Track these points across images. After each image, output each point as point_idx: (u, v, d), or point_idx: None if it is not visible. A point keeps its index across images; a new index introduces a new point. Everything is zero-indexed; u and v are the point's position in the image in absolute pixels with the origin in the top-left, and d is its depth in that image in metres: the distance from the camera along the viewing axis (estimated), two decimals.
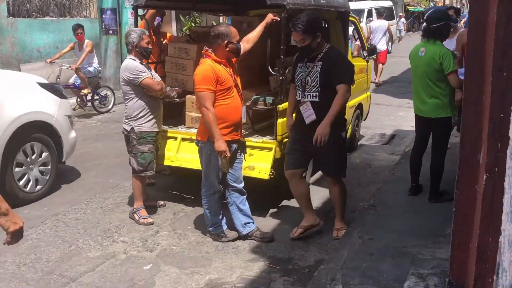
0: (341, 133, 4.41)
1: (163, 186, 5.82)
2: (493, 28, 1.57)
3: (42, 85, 5.77)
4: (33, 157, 5.42)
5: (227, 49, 4.12)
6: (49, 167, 5.59)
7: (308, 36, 4.14)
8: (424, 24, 5.26)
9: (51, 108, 5.64)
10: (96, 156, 7.12)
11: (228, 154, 4.11)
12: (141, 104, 4.70)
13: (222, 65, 4.13)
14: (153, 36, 5.76)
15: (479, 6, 1.70)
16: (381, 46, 13.34)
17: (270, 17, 4.62)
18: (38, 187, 5.46)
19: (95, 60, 9.98)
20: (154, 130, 4.83)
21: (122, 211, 5.12)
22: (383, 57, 13.52)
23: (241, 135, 4.40)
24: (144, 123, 4.73)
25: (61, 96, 5.94)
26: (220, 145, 4.04)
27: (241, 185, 4.43)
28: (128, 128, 4.75)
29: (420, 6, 46.04)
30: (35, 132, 5.44)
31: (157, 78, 4.88)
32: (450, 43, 5.83)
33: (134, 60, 4.68)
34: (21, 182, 5.26)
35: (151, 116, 4.76)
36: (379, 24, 14.05)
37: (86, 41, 9.73)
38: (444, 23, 4.89)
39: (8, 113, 5.12)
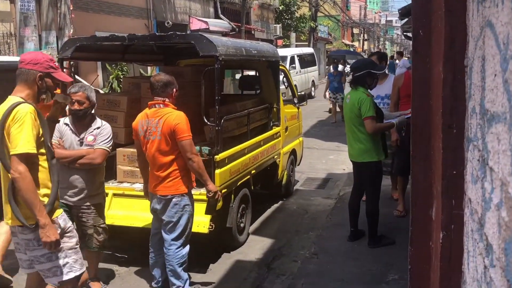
0: None
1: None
2: (440, 85, 1.58)
3: None
4: None
5: (174, 97, 4.08)
6: None
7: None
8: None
9: None
10: None
11: (221, 194, 4.30)
12: None
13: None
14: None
15: (422, 65, 1.71)
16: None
17: None
18: None
19: None
20: None
21: None
22: None
23: None
24: None
25: None
26: (213, 186, 4.15)
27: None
28: None
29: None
30: None
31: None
32: (381, 88, 6.07)
33: None
34: None
35: None
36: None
37: None
38: (366, 71, 5.08)
39: None
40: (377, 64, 5.50)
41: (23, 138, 2.80)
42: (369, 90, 5.11)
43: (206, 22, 20.37)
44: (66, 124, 4.05)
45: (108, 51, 5.90)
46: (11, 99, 2.95)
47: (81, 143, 4.02)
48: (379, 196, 5.27)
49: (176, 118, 3.92)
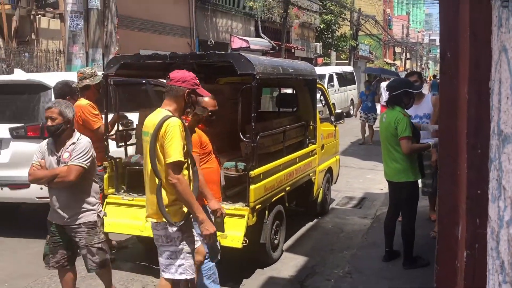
0: None
1: (129, 257, 5.61)
2: (465, 106, 1.61)
3: None
4: None
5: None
6: None
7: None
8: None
9: None
10: None
11: (224, 212, 4.07)
12: None
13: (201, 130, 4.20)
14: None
15: (449, 86, 1.75)
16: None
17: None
18: None
19: None
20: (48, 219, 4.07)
21: (88, 284, 4.87)
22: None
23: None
24: None
25: None
26: (215, 203, 3.98)
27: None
28: None
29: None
30: None
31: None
32: (419, 108, 6.04)
33: None
34: None
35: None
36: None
37: None
38: (403, 91, 5.07)
39: None
40: (413, 83, 5.48)
41: (175, 148, 3.24)
42: (406, 110, 5.10)
43: (247, 41, 20.69)
44: (47, 144, 3.94)
45: (151, 69, 6.10)
46: (160, 111, 3.39)
47: (59, 162, 3.84)
48: (415, 217, 5.21)
49: None
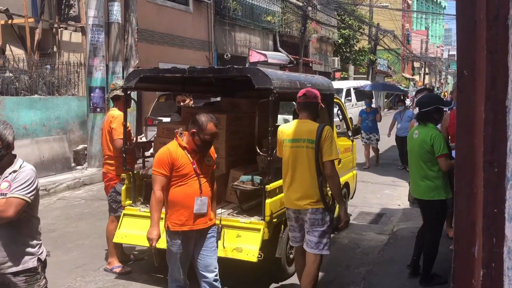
0: None
1: (145, 269, 5.64)
2: (481, 124, 1.61)
3: None
4: None
5: (192, 138, 3.95)
6: None
7: None
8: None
9: None
10: (78, 236, 6.94)
11: (154, 244, 3.84)
12: None
13: (185, 151, 3.95)
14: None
15: (466, 104, 1.75)
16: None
17: None
18: None
19: None
20: None
21: None
22: None
23: (206, 223, 4.04)
24: None
25: None
26: (151, 231, 3.85)
27: (212, 275, 4.04)
28: None
29: (401, 85, 47.77)
30: None
31: None
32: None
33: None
34: None
35: None
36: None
37: None
38: (434, 107, 5.04)
39: None
40: (443, 99, 5.47)
41: (333, 148, 4.28)
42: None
43: (264, 55, 20.82)
44: None
45: (170, 82, 6.19)
46: (308, 122, 4.43)
47: None
48: (441, 236, 5.16)
49: (159, 150, 4.05)
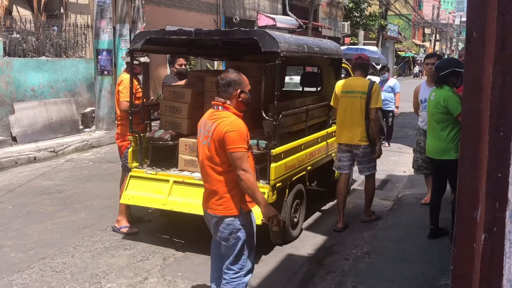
0: None
1: (152, 230, 5.73)
2: (489, 88, 1.58)
3: None
4: None
5: (239, 99, 3.42)
6: None
7: None
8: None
9: None
10: (86, 197, 7.02)
11: (280, 218, 3.45)
12: None
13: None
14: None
15: (474, 67, 1.72)
16: None
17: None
18: None
19: None
20: None
21: (111, 255, 5.01)
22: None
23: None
24: None
25: None
26: (269, 210, 3.39)
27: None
28: None
29: (411, 52, 47.06)
30: None
31: None
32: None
33: None
34: None
35: None
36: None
37: None
38: (450, 70, 5.07)
39: None
40: (461, 62, 5.44)
41: (379, 99, 5.70)
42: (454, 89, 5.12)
43: (273, 19, 20.49)
44: None
45: (176, 45, 6.12)
46: (361, 78, 5.84)
47: None
48: None
49: (229, 124, 3.28)
